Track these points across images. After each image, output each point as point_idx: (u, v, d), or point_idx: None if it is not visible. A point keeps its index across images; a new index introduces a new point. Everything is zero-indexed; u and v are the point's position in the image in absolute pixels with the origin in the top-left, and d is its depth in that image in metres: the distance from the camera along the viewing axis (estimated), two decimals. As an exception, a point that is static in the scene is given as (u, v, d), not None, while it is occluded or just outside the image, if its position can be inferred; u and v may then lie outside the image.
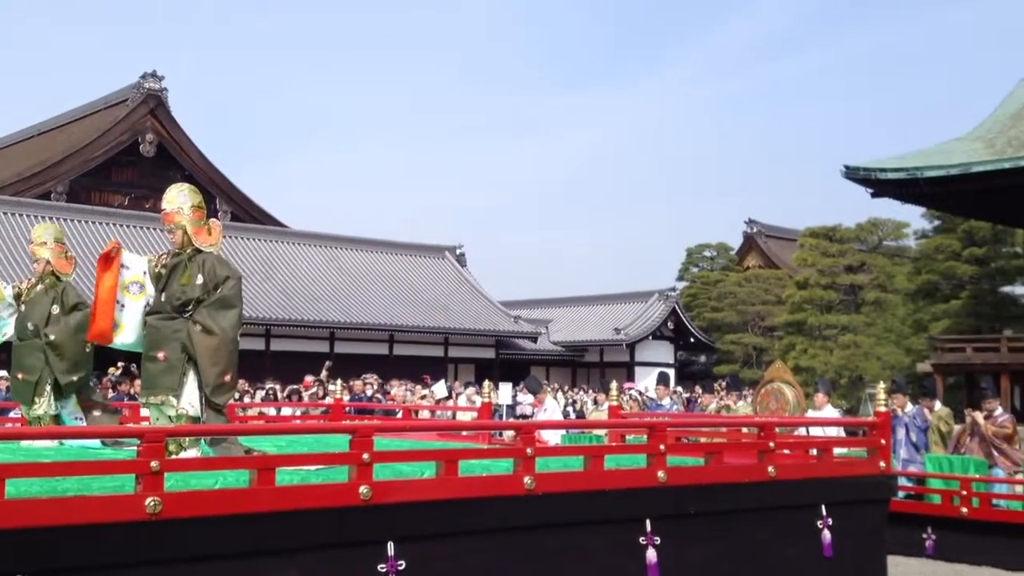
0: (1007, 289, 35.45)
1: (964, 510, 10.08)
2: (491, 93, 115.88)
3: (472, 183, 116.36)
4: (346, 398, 14.04)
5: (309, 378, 18.37)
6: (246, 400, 17.40)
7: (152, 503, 4.27)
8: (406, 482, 5.14)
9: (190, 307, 5.97)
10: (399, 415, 14.03)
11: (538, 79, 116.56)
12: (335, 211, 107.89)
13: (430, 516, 5.05)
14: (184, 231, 6.16)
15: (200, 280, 6.00)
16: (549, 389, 18.37)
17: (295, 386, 17.50)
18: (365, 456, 4.90)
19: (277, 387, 19.61)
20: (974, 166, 24.41)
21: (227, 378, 5.85)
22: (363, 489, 4.83)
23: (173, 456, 5.38)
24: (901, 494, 10.36)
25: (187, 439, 5.86)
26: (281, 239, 43.03)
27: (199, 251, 6.15)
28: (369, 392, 18.39)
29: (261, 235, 42.38)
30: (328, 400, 13.09)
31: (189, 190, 6.36)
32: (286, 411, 15.32)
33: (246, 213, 45.62)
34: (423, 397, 18.99)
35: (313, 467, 5.18)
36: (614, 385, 9.49)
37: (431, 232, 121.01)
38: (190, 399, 5.89)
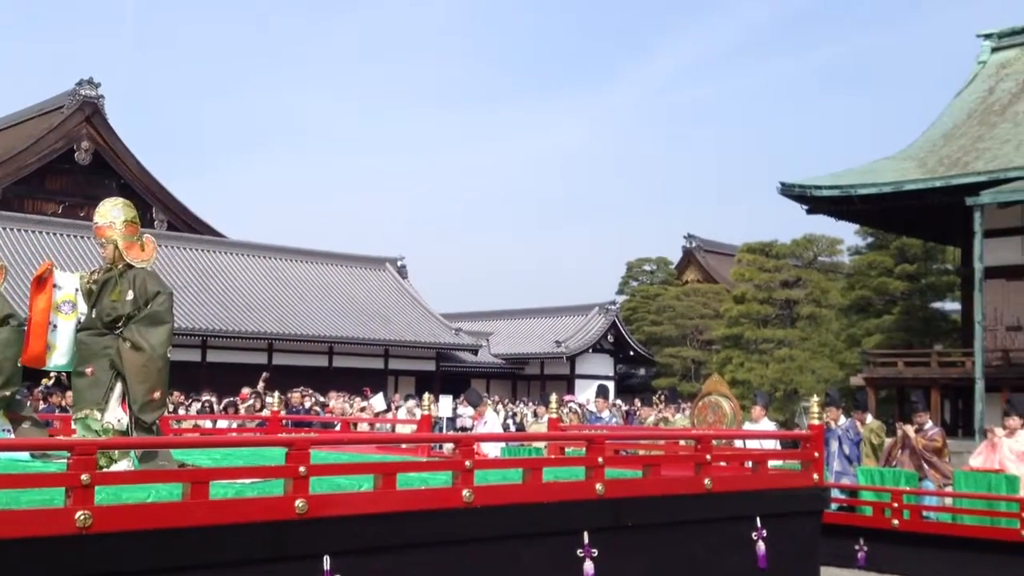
0: (937, 305, 36.29)
1: (895, 522, 10.27)
2: (435, 104, 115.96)
3: (415, 194, 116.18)
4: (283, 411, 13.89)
5: (246, 390, 18.14)
6: (181, 412, 17.13)
7: (82, 517, 4.18)
8: (343, 495, 5.10)
9: (120, 323, 5.89)
10: (337, 428, 13.92)
11: (484, 91, 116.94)
12: (275, 222, 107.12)
13: (367, 530, 5.01)
14: (115, 246, 6.06)
15: (131, 296, 5.91)
16: (489, 402, 18.38)
17: (231, 398, 17.27)
18: (301, 469, 4.86)
19: (213, 399, 19.33)
20: (906, 184, 24.96)
21: (156, 395, 5.77)
22: (299, 503, 4.79)
23: (104, 469, 5.28)
24: (834, 506, 10.54)
25: (117, 452, 5.76)
26: (219, 249, 42.54)
27: (131, 266, 6.05)
28: (307, 404, 18.23)
29: (198, 245, 41.84)
30: (265, 413, 12.95)
31: (123, 204, 6.26)
32: (222, 423, 15.11)
33: (183, 223, 45.02)
34: (362, 410, 18.87)
35: (248, 480, 5.12)
36: (554, 398, 9.53)
37: (373, 244, 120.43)
38: (116, 414, 5.79)
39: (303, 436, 5.97)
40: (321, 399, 20.44)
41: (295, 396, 17.73)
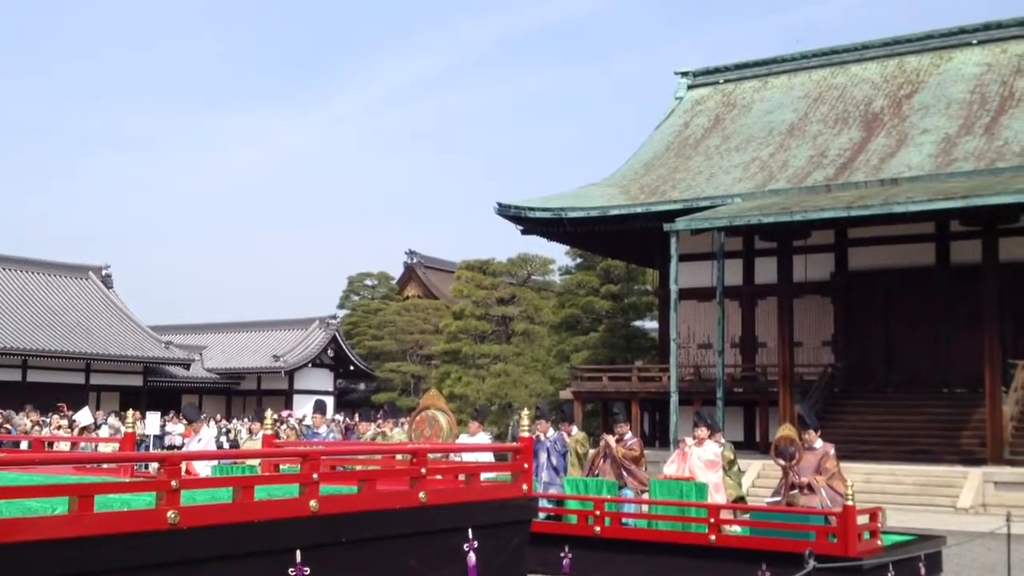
0: (638, 323, 38.81)
1: (597, 529, 10.78)
2: (153, 104, 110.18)
3: (124, 200, 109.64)
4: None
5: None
6: None
7: None
8: (33, 520, 4.75)
9: None
10: (23, 446, 12.87)
11: (207, 94, 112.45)
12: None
13: (62, 556, 4.69)
14: None
15: None
16: (204, 418, 17.66)
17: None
18: (-15, 493, 4.48)
19: None
20: (611, 209, 26.56)
21: None
22: (-19, 530, 4.41)
23: None
24: (542, 515, 10.96)
25: None
26: None
27: None
28: (-5, 423, 16.75)
29: None
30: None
31: None
32: None
33: None
34: (59, 427, 17.58)
35: (-78, 507, 4.65)
36: (269, 413, 9.31)
37: (76, 252, 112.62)
38: None
39: (-12, 458, 5.49)
40: (14, 416, 18.86)
41: (-20, 414, 16.25)
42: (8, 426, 17.73)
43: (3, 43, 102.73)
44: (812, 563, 6.40)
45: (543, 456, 12.28)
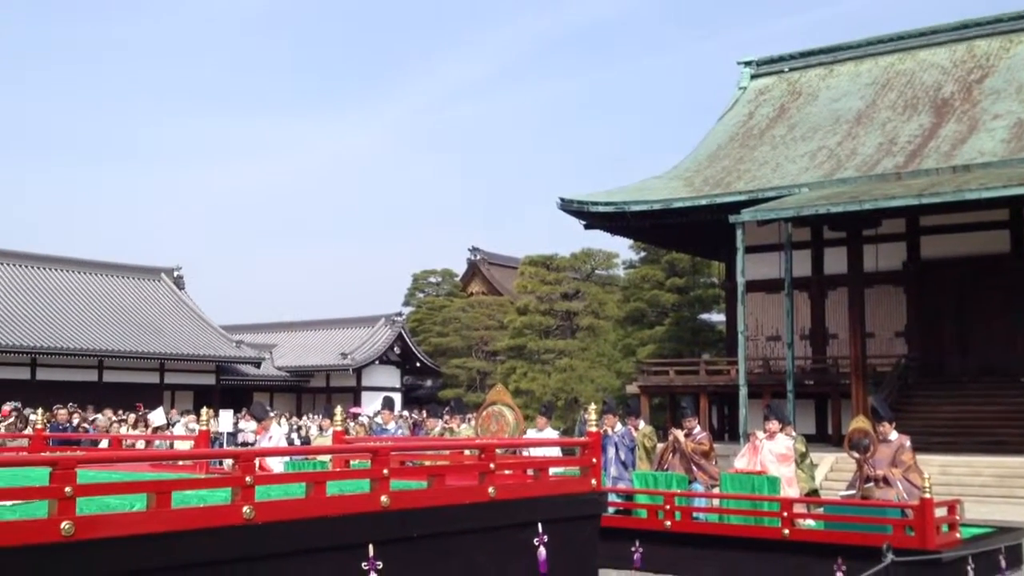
0: (704, 316, 38.45)
1: (668, 523, 10.71)
2: (220, 111, 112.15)
3: (195, 203, 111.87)
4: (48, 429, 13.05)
5: (7, 406, 16.93)
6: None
7: None
8: (113, 516, 4.86)
9: None
10: (103, 445, 13.20)
11: (267, 100, 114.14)
12: (45, 231, 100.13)
13: (140, 551, 4.79)
14: None
15: None
16: (274, 415, 17.94)
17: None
18: (67, 489, 4.59)
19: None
20: (674, 202, 26.31)
21: None
22: (65, 525, 4.52)
23: None
24: (611, 509, 10.93)
25: None
26: (-29, 257, 39.54)
27: None
28: (75, 421, 17.20)
29: (-53, 252, 38.76)
30: (28, 431, 12.12)
31: None
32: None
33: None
34: (135, 426, 17.98)
35: (8, 503, 4.79)
36: (339, 410, 9.42)
37: (149, 254, 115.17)
38: None
39: (69, 455, 5.62)
40: (92, 416, 19.35)
41: (62, 413, 16.70)
42: (86, 425, 18.17)
43: (73, 52, 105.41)
44: (890, 556, 6.27)
45: (611, 451, 12.25)
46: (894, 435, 10.87)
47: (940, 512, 9.49)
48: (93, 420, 19.32)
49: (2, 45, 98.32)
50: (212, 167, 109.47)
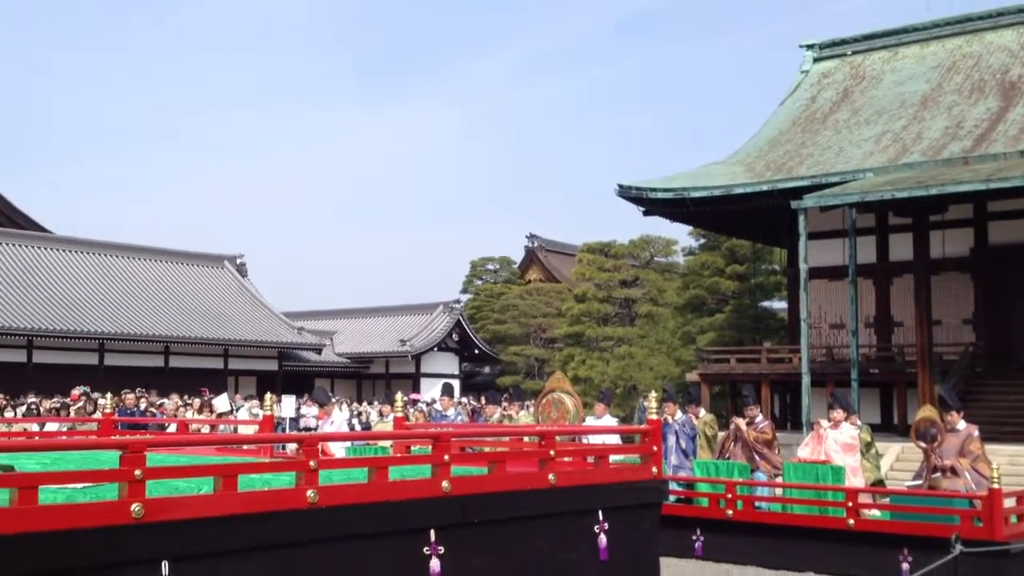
0: (766, 304, 37.99)
1: (729, 512, 10.65)
2: (278, 98, 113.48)
3: (257, 192, 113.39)
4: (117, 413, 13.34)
5: (76, 391, 17.35)
6: (7, 415, 16.22)
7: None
8: (181, 499, 4.95)
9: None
10: (171, 429, 13.47)
11: (329, 88, 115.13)
12: (112, 219, 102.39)
13: (207, 534, 4.87)
14: None
15: None
16: (335, 401, 18.15)
17: (62, 399, 16.48)
18: (137, 472, 4.69)
19: (40, 401, 18.38)
20: (735, 188, 25.99)
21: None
22: (135, 507, 4.62)
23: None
24: (672, 498, 10.88)
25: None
26: (44, 245, 40.51)
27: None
28: (143, 406, 17.56)
29: (22, 240, 39.73)
30: (97, 415, 12.40)
31: None
32: (51, 427, 14.39)
33: (6, 218, 42.72)
34: (200, 410, 18.31)
35: (80, 485, 4.91)
36: (399, 396, 9.49)
37: (212, 242, 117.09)
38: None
39: (138, 438, 5.74)
40: (159, 400, 19.76)
41: (129, 398, 17.05)
42: (153, 410, 18.55)
43: (137, 45, 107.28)
44: (959, 547, 6.15)
45: (672, 439, 12.19)
46: (962, 424, 10.66)
47: (1009, 503, 9.31)
48: (160, 405, 19.72)
49: (77, 40, 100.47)
50: (274, 157, 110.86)
